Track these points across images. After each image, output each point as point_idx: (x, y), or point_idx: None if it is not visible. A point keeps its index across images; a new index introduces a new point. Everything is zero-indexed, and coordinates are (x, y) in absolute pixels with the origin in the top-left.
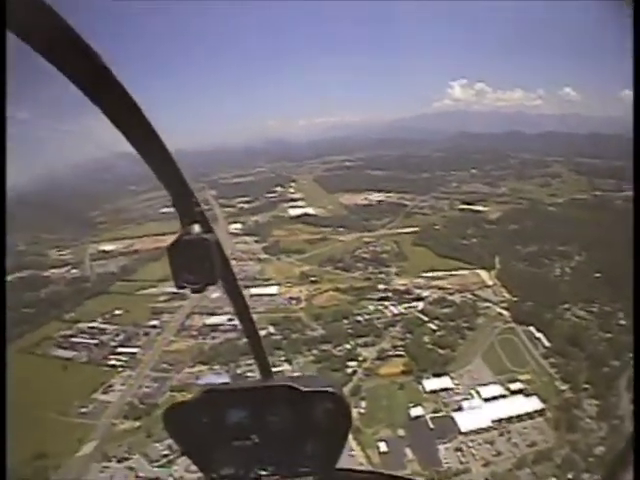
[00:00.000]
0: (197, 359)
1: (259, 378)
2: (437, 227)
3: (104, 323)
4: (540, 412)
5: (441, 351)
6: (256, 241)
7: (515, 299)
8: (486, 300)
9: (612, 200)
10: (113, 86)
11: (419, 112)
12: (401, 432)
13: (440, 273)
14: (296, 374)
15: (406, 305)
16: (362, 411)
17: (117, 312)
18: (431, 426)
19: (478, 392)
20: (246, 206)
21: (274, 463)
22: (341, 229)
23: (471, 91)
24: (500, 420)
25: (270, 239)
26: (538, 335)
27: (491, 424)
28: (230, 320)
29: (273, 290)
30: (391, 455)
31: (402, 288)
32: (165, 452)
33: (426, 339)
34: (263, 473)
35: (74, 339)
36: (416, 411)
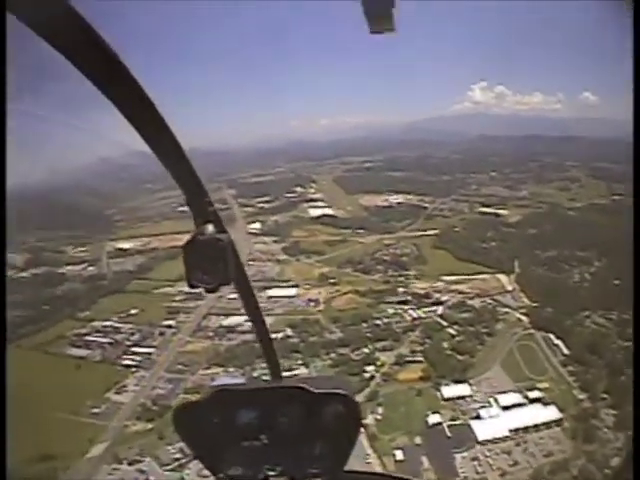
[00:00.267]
0: (212, 361)
1: (270, 379)
2: (457, 230)
3: (119, 322)
4: (558, 422)
5: (460, 357)
6: (275, 241)
7: (534, 305)
8: (505, 305)
9: (631, 205)
10: (125, 79)
11: (439, 114)
12: (418, 440)
13: (460, 277)
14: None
15: (425, 309)
16: (379, 417)
17: (133, 311)
18: (448, 434)
19: (496, 400)
20: (266, 206)
21: (283, 464)
22: (361, 230)
23: (491, 94)
24: (517, 430)
25: (289, 239)
26: (557, 342)
27: (508, 433)
28: (247, 321)
29: (292, 292)
30: (407, 463)
31: (422, 292)
32: (177, 455)
33: (445, 344)
34: (271, 474)
35: (88, 338)
36: (434, 418)
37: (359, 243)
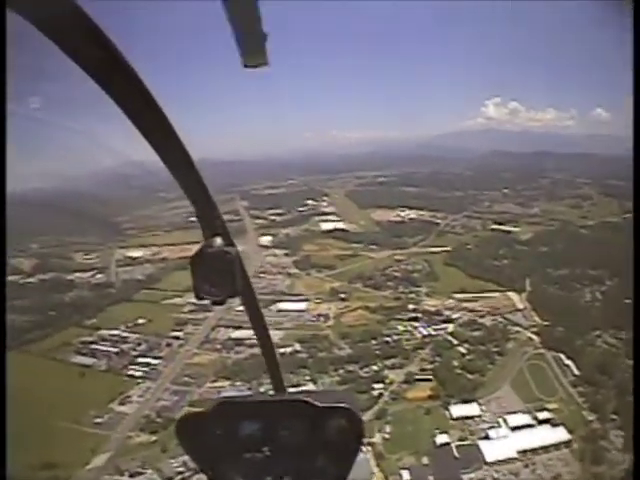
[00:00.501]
0: (219, 374)
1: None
2: (469, 247)
3: (126, 331)
4: (566, 443)
5: (470, 376)
6: (286, 254)
7: (545, 324)
8: (516, 324)
9: None
10: (132, 83)
11: (452, 130)
12: (425, 460)
13: (471, 295)
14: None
15: (436, 327)
16: (386, 436)
17: (140, 321)
18: (456, 455)
19: (505, 420)
20: (277, 218)
21: (285, 476)
22: (372, 246)
23: (504, 110)
24: (526, 451)
25: (300, 253)
26: (568, 362)
27: (517, 455)
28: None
29: (302, 306)
30: None
31: (432, 309)
32: (180, 469)
33: (455, 363)
34: None
35: (94, 346)
36: (442, 438)
37: (370, 258)
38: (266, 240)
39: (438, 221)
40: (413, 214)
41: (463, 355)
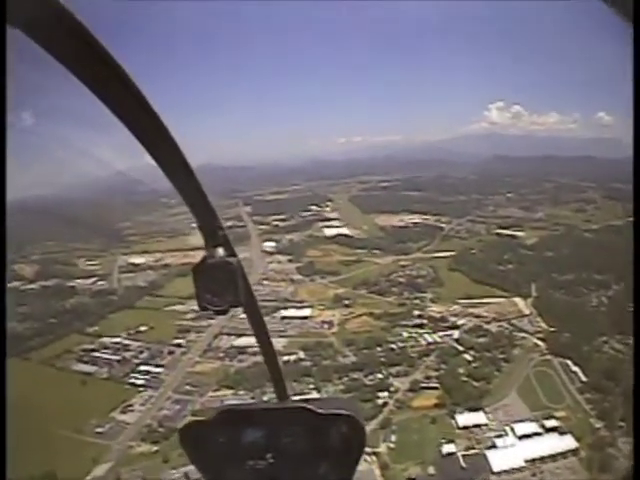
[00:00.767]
0: (222, 382)
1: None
2: (473, 252)
3: (128, 339)
4: (574, 451)
5: (476, 384)
6: (290, 260)
7: (552, 329)
8: (522, 330)
9: None
10: (129, 93)
11: (456, 134)
12: (431, 470)
13: (476, 300)
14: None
15: (441, 333)
16: (391, 445)
17: (142, 328)
18: (463, 464)
19: (513, 429)
20: (281, 224)
21: None
22: (376, 251)
23: (507, 114)
24: (534, 460)
25: (304, 259)
26: (575, 368)
27: (524, 464)
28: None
29: (305, 312)
30: None
31: (437, 315)
32: None
33: (461, 370)
34: None
35: (96, 354)
36: (448, 448)
37: (374, 264)
38: (269, 246)
39: (442, 226)
40: (417, 219)
41: (469, 362)
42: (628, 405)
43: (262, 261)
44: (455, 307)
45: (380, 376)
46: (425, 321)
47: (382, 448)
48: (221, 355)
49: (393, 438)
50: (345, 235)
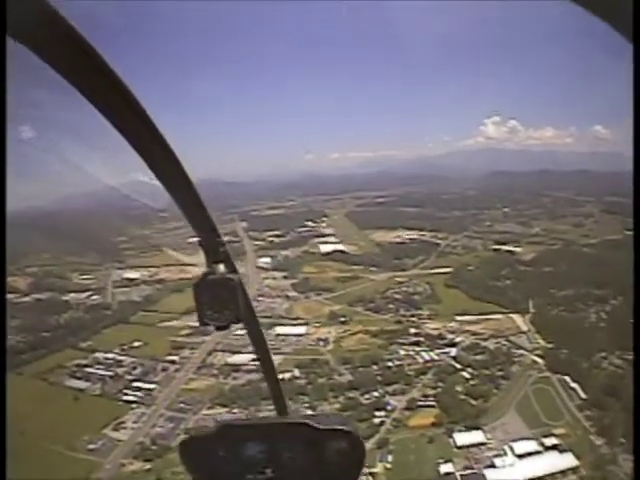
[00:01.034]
0: (216, 400)
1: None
2: (470, 268)
3: (121, 354)
4: (574, 469)
5: (474, 402)
6: (285, 277)
7: (550, 346)
8: (520, 347)
9: None
10: (128, 105)
11: (452, 149)
12: None
13: (473, 317)
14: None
15: (438, 351)
16: (388, 466)
17: (136, 344)
18: None
19: (512, 448)
20: (276, 240)
21: None
22: (372, 267)
23: (504, 129)
24: (533, 479)
25: (300, 275)
26: (574, 385)
27: None
28: (254, 360)
29: (301, 330)
30: None
31: (434, 332)
32: None
33: (458, 388)
34: None
35: (89, 369)
36: (446, 467)
37: (370, 280)
38: (265, 262)
39: (439, 242)
40: (414, 234)
41: (467, 380)
42: (629, 421)
43: (257, 277)
44: (452, 324)
45: (376, 394)
46: (422, 338)
47: (379, 468)
48: (215, 372)
49: (390, 458)
50: (341, 251)
